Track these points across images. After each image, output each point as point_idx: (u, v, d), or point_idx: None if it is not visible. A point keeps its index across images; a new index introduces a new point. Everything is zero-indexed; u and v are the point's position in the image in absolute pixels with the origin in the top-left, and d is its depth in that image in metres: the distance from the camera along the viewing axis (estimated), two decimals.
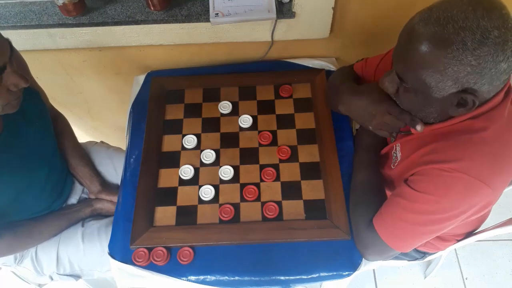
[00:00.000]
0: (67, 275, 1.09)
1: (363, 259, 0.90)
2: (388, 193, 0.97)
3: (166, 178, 1.02)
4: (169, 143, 1.08)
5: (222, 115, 1.12)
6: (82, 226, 1.09)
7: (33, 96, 0.98)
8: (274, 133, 1.08)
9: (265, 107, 1.13)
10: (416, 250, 1.11)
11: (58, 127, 1.14)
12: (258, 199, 0.97)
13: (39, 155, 0.97)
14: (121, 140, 1.31)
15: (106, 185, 1.17)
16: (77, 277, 1.11)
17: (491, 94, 0.68)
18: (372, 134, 1.00)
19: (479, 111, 0.70)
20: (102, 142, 1.32)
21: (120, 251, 0.93)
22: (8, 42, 0.74)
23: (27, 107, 0.90)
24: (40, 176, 0.98)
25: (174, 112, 1.13)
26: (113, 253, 0.94)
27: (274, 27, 1.12)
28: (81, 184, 1.17)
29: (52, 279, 1.09)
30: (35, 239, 1.02)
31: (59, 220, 1.06)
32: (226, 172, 1.01)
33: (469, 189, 0.71)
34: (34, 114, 0.97)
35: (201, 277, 0.91)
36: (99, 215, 1.15)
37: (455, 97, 0.68)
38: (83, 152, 1.19)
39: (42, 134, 1.00)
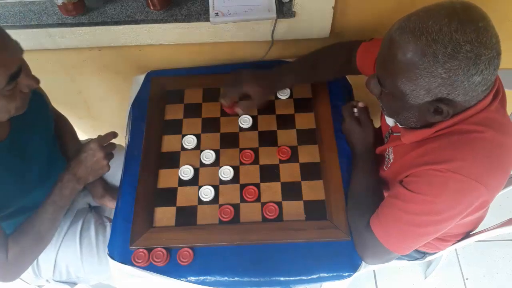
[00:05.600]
0: (62, 282, 1.08)
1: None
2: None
3: (165, 179, 1.02)
4: (168, 143, 1.07)
5: (222, 115, 1.11)
6: (80, 234, 1.07)
7: (38, 99, 0.97)
8: (274, 133, 1.07)
9: (265, 107, 1.12)
10: (416, 250, 1.10)
11: (61, 128, 1.12)
12: (258, 199, 0.97)
13: (42, 159, 0.95)
14: (120, 140, 1.31)
15: (109, 189, 1.15)
16: (72, 284, 1.10)
17: (471, 103, 0.69)
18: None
19: (465, 115, 0.70)
20: None
21: (120, 251, 0.93)
22: (18, 44, 0.73)
23: (33, 110, 0.87)
24: (44, 179, 0.95)
25: (174, 112, 1.13)
26: (112, 254, 0.93)
27: (274, 26, 1.11)
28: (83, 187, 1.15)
29: (48, 282, 1.09)
30: (35, 240, 0.89)
31: (48, 209, 0.89)
32: (226, 172, 1.01)
33: (464, 188, 0.71)
34: (40, 118, 0.96)
35: (201, 278, 0.90)
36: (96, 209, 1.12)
37: (431, 105, 0.68)
38: None
39: (46, 138, 0.98)
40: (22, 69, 0.73)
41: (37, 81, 0.77)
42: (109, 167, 0.95)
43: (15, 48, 0.72)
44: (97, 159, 0.92)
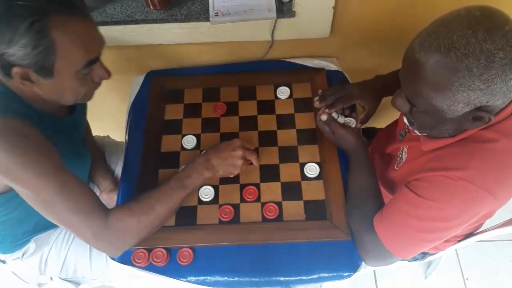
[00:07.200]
0: (68, 280, 1.08)
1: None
2: (386, 193, 0.97)
3: (165, 179, 1.01)
4: (168, 143, 1.07)
5: (222, 115, 1.11)
6: None
7: None
8: (274, 133, 1.07)
9: (265, 107, 1.12)
10: None
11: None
12: (258, 199, 0.97)
13: (80, 145, 0.99)
14: (120, 140, 1.31)
15: (117, 185, 1.16)
16: (76, 284, 1.10)
17: (506, 103, 0.67)
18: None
19: (489, 123, 0.69)
20: (108, 136, 1.32)
21: None
22: (103, 37, 0.77)
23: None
24: (86, 164, 1.00)
25: (174, 112, 1.13)
26: None
27: (274, 26, 1.11)
28: (91, 181, 1.16)
29: (51, 279, 1.09)
30: (150, 215, 0.84)
31: (171, 184, 0.88)
32: None
33: (473, 198, 0.70)
34: (84, 110, 1.04)
35: (201, 278, 0.90)
36: None
37: (470, 114, 0.67)
38: (99, 149, 1.20)
39: (83, 128, 1.04)
40: (99, 59, 0.77)
41: (109, 73, 0.81)
42: (240, 170, 0.92)
43: (100, 39, 0.77)
44: (234, 154, 0.90)
